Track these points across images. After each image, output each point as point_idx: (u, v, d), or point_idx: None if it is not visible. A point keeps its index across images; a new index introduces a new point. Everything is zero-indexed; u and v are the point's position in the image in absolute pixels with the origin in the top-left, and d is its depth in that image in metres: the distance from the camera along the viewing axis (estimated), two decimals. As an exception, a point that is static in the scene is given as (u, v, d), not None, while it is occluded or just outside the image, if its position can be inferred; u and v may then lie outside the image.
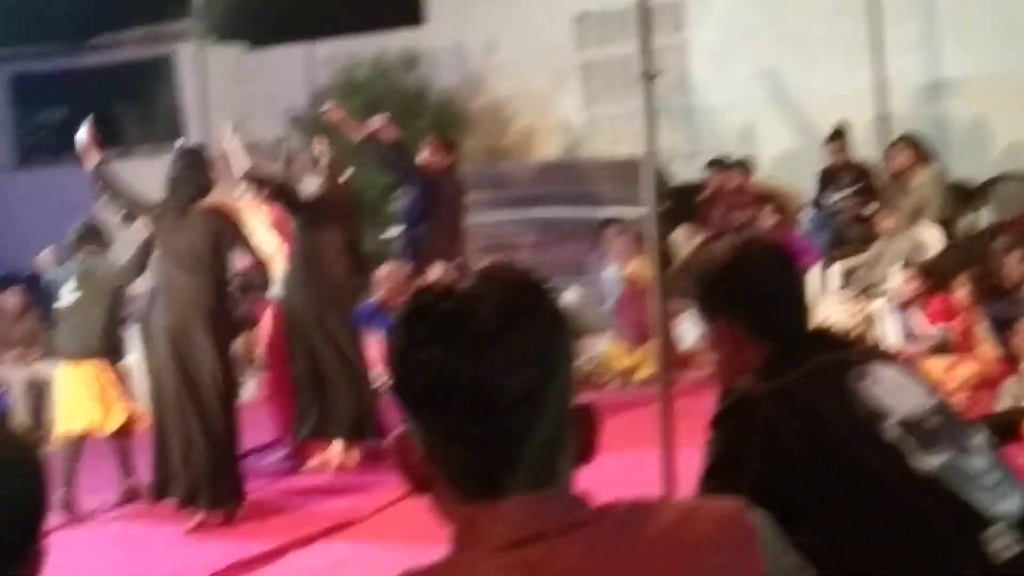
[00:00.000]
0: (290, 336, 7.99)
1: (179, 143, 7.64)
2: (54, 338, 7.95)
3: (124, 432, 7.65)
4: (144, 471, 7.44)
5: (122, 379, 7.73)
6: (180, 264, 6.90)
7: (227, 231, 7.09)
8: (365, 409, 7.84)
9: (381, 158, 9.17)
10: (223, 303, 7.09)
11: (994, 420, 6.84)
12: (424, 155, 9.30)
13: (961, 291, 8.18)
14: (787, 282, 2.65)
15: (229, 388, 7.02)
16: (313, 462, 8.00)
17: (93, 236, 7.79)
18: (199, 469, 6.84)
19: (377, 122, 8.96)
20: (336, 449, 7.90)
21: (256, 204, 8.19)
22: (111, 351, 7.67)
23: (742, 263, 2.63)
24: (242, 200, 8.22)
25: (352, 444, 7.89)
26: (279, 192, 8.00)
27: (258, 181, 7.99)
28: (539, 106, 13.36)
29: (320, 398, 7.87)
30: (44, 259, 8.27)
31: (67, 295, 7.58)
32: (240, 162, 8.02)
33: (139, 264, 7.46)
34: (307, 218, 7.94)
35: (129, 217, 7.22)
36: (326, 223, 7.93)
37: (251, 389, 9.72)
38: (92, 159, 7.16)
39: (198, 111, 12.05)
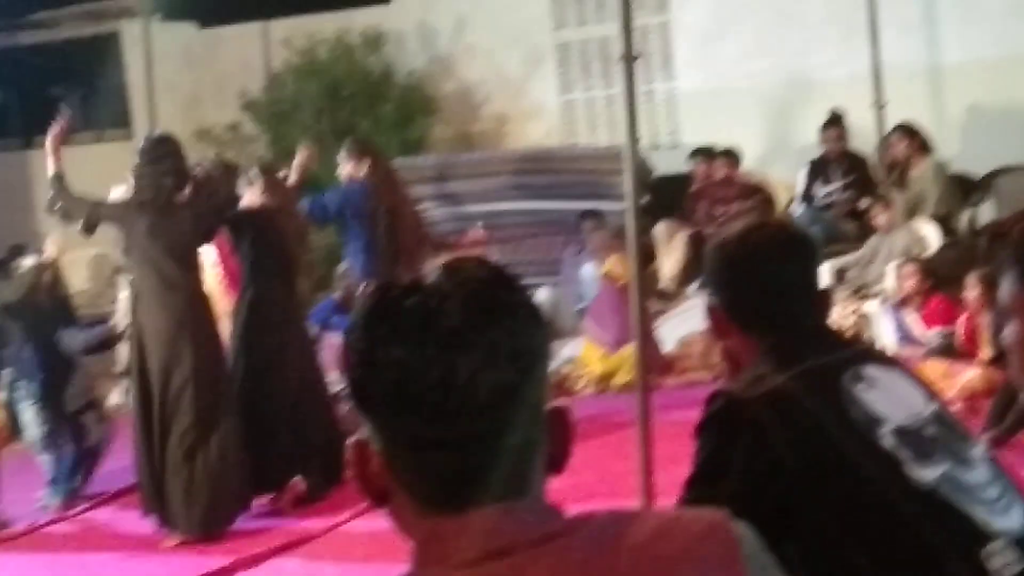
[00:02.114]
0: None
1: (148, 134, 7.55)
2: None
3: None
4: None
5: None
6: (172, 258, 6.92)
7: (210, 219, 7.23)
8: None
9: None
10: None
11: (998, 404, 6.89)
12: (344, 170, 8.40)
13: (972, 292, 8.18)
14: (793, 272, 2.60)
15: (228, 387, 7.10)
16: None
17: None
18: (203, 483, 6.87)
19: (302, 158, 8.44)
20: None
21: None
22: None
23: (740, 245, 2.61)
24: None
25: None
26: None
27: None
28: (512, 91, 13.38)
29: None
30: None
31: None
32: None
33: (28, 285, 7.52)
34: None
35: (90, 226, 7.23)
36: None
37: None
38: (53, 164, 7.13)
39: (144, 95, 11.98)
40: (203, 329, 7.03)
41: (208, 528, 6.92)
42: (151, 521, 7.03)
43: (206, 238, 7.33)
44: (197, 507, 6.87)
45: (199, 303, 7.08)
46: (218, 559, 6.55)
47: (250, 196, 7.62)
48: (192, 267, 7.09)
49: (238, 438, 7.05)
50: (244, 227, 7.58)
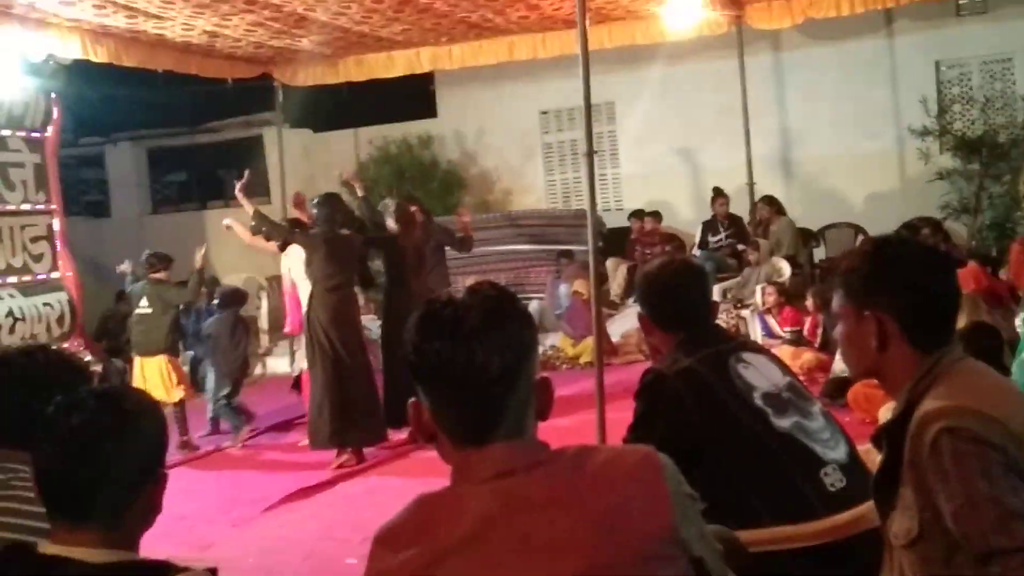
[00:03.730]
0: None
1: (320, 195, 7.23)
2: (132, 338, 7.71)
3: (181, 403, 7.51)
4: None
5: (179, 368, 7.64)
6: (336, 270, 6.82)
7: (359, 247, 7.24)
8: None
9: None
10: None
11: (830, 384, 6.87)
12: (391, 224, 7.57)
13: (810, 301, 8.24)
14: (693, 290, 2.57)
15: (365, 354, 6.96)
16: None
17: (160, 261, 7.56)
18: (341, 417, 6.68)
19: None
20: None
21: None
22: (172, 349, 7.59)
23: (659, 274, 2.58)
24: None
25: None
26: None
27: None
28: (514, 174, 13.36)
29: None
30: (123, 270, 8.12)
31: (141, 308, 7.45)
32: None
33: (194, 290, 7.46)
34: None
35: (285, 244, 7.23)
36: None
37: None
38: (249, 207, 7.16)
39: (278, 176, 11.99)
40: (353, 318, 6.95)
41: (345, 443, 6.70)
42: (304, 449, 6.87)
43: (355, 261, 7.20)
44: (339, 427, 6.67)
45: (352, 301, 7.00)
46: (321, 475, 6.46)
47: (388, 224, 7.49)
48: (349, 278, 6.98)
49: (374, 390, 6.87)
50: (379, 246, 7.55)
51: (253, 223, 7.16)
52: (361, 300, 8.40)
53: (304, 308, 7.03)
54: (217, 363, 7.87)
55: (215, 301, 8.05)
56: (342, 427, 6.69)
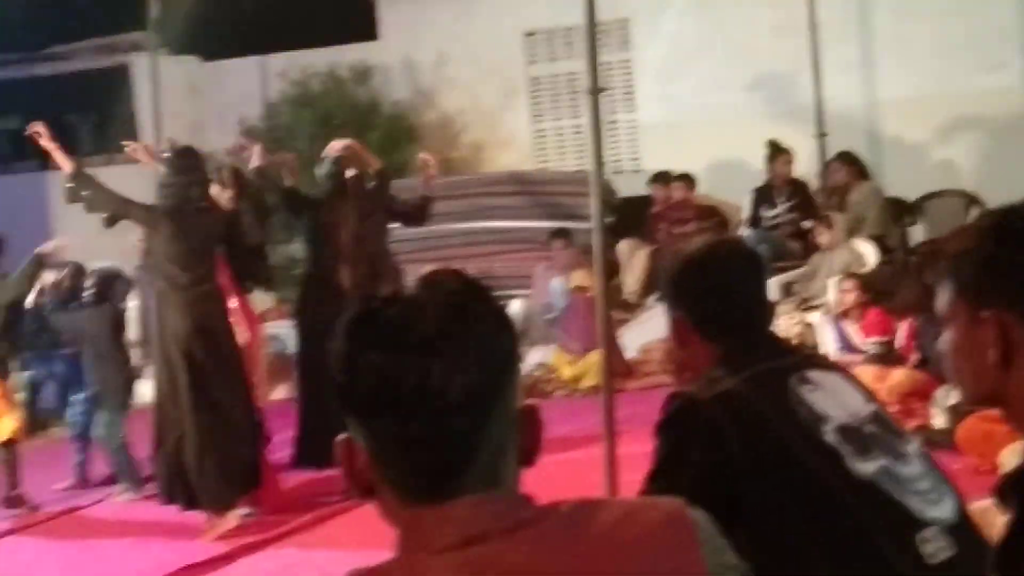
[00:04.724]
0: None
1: (170, 145, 7.38)
2: None
3: (10, 443, 7.52)
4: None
5: (8, 392, 7.61)
6: (197, 260, 6.83)
7: (223, 225, 7.10)
8: None
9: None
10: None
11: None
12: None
13: (898, 298, 8.28)
14: (746, 284, 2.60)
15: (246, 380, 6.96)
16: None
17: None
18: (215, 468, 6.72)
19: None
20: None
21: None
22: (2, 366, 7.58)
23: (703, 260, 2.60)
24: None
25: None
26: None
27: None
28: (488, 120, 13.38)
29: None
30: None
31: None
32: None
33: (28, 279, 7.39)
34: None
35: (113, 219, 7.14)
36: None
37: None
38: (68, 164, 6.99)
39: (153, 122, 11.94)
40: (217, 324, 6.89)
41: (226, 502, 6.76)
42: (174, 507, 6.89)
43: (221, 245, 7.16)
44: (214, 483, 6.71)
45: (216, 301, 6.94)
46: (219, 546, 6.50)
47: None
48: (209, 268, 6.94)
49: (249, 423, 6.89)
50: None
51: (69, 187, 7.01)
52: (269, 301, 8.36)
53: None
54: (102, 376, 7.76)
55: (88, 291, 7.93)
56: (210, 480, 6.70)
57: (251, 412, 6.94)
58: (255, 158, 7.72)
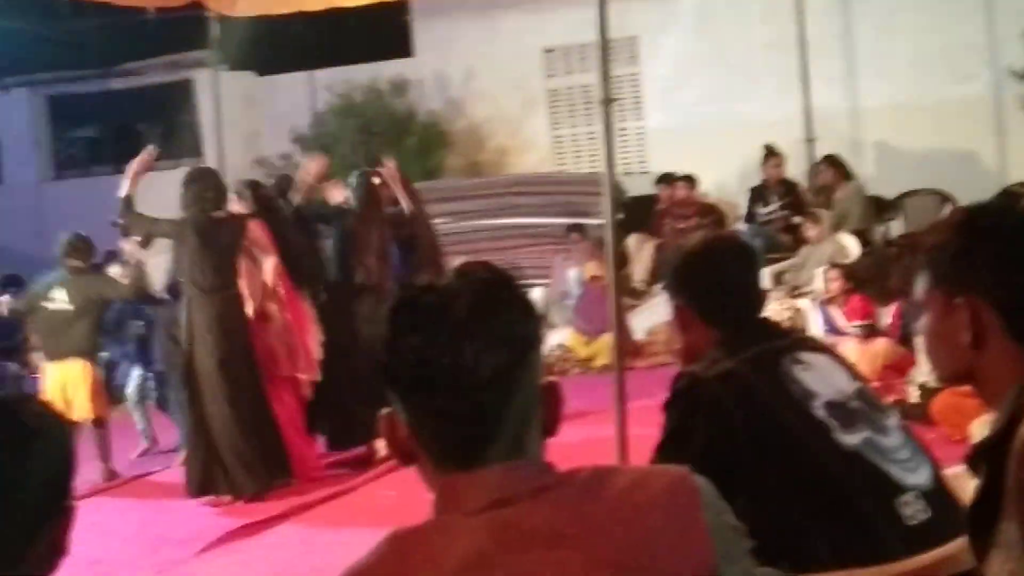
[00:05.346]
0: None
1: (193, 165, 7.39)
2: (44, 339, 7.71)
3: (102, 421, 7.54)
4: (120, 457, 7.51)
5: (99, 378, 7.63)
6: (219, 266, 6.76)
7: (243, 232, 6.97)
8: None
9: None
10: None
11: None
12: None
13: (895, 282, 8.27)
14: (742, 274, 2.60)
15: (261, 377, 6.89)
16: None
17: (80, 249, 7.56)
18: (241, 457, 6.69)
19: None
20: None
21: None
22: (93, 353, 7.59)
23: (703, 253, 2.61)
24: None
25: None
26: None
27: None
28: (511, 128, 13.36)
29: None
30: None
31: (55, 304, 7.43)
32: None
33: (135, 288, 7.41)
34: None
35: (147, 239, 7.13)
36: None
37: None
38: (128, 187, 6.92)
39: (213, 130, 11.97)
40: (240, 327, 6.78)
41: (255, 489, 6.71)
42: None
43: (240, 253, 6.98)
44: (241, 474, 6.68)
45: (237, 305, 6.82)
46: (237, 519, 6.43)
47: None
48: (229, 274, 6.82)
49: (266, 415, 6.83)
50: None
51: (120, 212, 6.93)
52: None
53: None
54: (171, 359, 7.67)
55: (161, 288, 7.93)
56: (226, 469, 6.67)
57: (266, 403, 6.82)
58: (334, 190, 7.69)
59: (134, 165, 7.03)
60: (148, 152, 7.10)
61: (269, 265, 6.94)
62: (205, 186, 6.86)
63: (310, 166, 7.77)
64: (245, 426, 6.69)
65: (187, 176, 6.97)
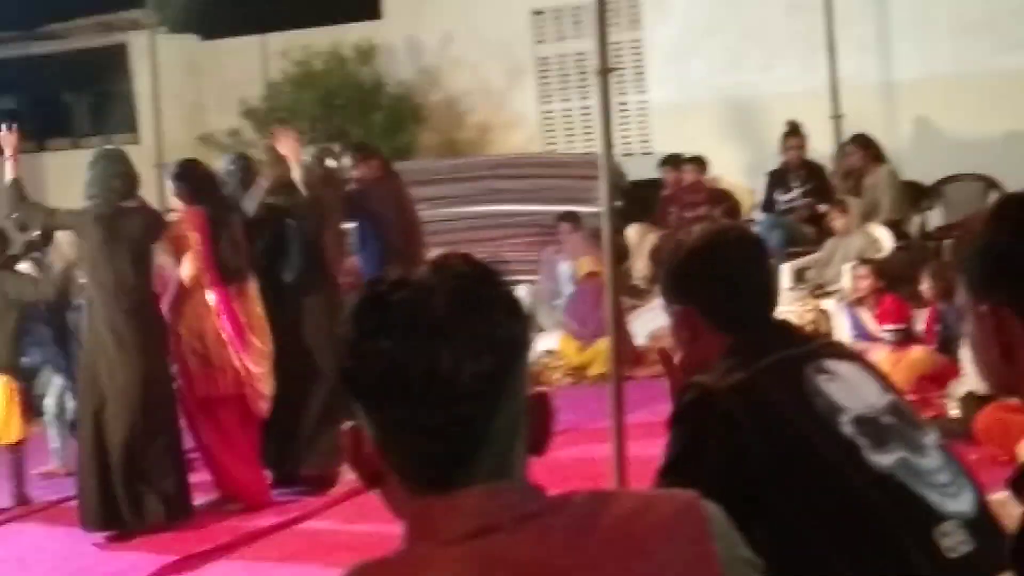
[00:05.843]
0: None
1: (98, 148, 7.27)
2: None
3: (20, 444, 7.54)
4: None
5: (19, 394, 7.59)
6: (124, 264, 6.65)
7: (159, 225, 6.95)
8: None
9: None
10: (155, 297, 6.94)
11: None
12: (352, 173, 8.22)
13: (925, 284, 8.26)
14: (753, 272, 2.60)
15: (173, 396, 6.87)
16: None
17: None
18: (144, 478, 6.65)
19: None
20: None
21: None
22: (15, 364, 7.57)
23: (707, 249, 2.60)
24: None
25: None
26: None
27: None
28: (494, 101, 13.36)
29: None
30: None
31: None
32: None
33: (57, 284, 7.37)
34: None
35: (47, 232, 7.06)
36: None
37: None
38: (12, 170, 6.82)
39: (150, 102, 11.94)
40: (149, 331, 6.71)
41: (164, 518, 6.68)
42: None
43: (152, 245, 6.94)
44: (151, 499, 6.65)
45: (151, 309, 6.77)
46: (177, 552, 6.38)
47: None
48: (144, 274, 6.77)
49: (178, 436, 6.82)
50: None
51: (11, 204, 6.84)
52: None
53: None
54: None
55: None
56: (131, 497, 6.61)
57: (174, 429, 6.81)
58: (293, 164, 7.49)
59: (7, 144, 6.90)
60: (12, 129, 6.95)
61: (187, 263, 6.85)
62: (111, 171, 6.72)
63: (282, 144, 7.55)
64: (146, 453, 6.60)
65: (91, 159, 6.85)
